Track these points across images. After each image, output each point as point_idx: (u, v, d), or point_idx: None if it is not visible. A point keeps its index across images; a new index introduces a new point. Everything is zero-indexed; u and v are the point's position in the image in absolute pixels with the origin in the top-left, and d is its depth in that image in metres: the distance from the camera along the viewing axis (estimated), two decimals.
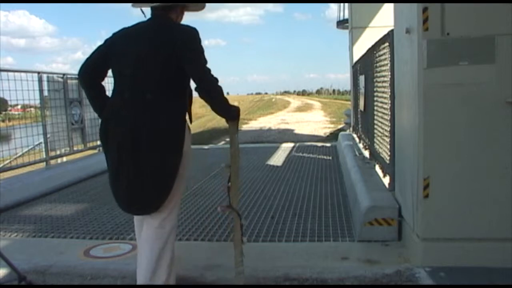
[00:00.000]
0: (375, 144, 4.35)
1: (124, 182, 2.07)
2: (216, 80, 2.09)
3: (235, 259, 2.26)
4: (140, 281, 2.14)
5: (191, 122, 2.23)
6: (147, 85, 2.05)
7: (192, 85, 2.15)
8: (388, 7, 6.96)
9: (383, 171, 3.82)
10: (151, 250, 2.11)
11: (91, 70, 2.20)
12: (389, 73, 3.33)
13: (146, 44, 2.07)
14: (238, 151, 2.27)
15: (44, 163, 5.32)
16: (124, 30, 2.18)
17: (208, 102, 2.12)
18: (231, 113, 2.20)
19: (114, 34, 2.20)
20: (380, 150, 3.95)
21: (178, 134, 2.07)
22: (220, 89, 2.11)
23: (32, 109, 5.89)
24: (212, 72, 2.09)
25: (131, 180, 2.05)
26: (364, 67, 5.35)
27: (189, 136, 2.14)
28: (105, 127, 2.13)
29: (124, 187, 2.08)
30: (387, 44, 3.47)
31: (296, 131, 13.51)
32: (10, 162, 5.10)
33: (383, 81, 3.73)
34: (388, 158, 3.46)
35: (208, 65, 2.10)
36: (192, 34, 2.09)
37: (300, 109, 29.84)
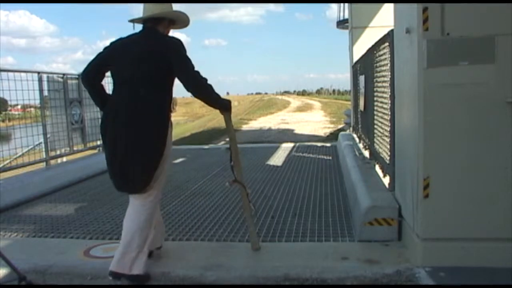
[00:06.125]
0: (375, 144, 4.35)
1: (118, 164, 2.41)
2: (205, 80, 2.48)
3: (246, 221, 2.88)
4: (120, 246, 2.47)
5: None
6: (141, 83, 2.40)
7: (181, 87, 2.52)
8: (388, 7, 6.95)
9: (383, 171, 3.81)
10: (132, 222, 2.46)
11: (93, 72, 2.56)
12: (389, 73, 3.33)
13: (140, 50, 2.45)
14: (234, 135, 2.81)
15: (44, 163, 5.32)
16: (120, 40, 2.56)
17: (202, 99, 2.55)
18: (223, 105, 2.64)
19: (112, 43, 2.57)
20: (380, 150, 3.95)
21: (164, 123, 2.44)
22: (210, 87, 2.50)
23: (32, 109, 5.89)
24: (202, 74, 2.46)
25: (123, 163, 2.39)
26: (364, 67, 5.35)
27: (171, 128, 2.52)
28: (105, 120, 2.49)
29: (118, 169, 2.42)
30: (387, 44, 3.47)
31: (296, 131, 13.51)
32: (10, 162, 5.09)
33: (383, 81, 3.73)
34: (388, 158, 3.46)
35: (196, 68, 2.46)
36: (178, 43, 2.48)
37: (300, 109, 29.83)
